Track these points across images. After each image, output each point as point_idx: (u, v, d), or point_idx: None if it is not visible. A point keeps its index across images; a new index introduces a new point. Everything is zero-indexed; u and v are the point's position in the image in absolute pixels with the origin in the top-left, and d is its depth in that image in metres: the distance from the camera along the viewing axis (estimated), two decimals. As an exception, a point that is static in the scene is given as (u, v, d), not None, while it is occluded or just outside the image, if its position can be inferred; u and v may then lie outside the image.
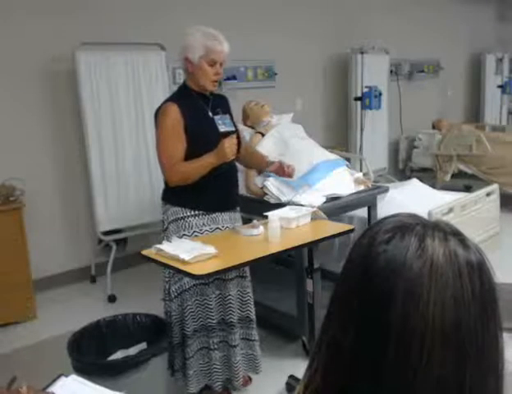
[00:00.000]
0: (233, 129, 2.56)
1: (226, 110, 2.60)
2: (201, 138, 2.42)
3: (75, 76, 3.92)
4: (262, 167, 2.94)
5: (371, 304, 0.63)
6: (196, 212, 2.46)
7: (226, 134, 2.47)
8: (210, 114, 2.49)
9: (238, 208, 2.65)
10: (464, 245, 0.64)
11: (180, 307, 2.50)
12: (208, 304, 2.48)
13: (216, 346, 2.50)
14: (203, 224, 2.47)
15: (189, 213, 2.45)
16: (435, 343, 0.59)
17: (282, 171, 2.76)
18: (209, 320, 2.48)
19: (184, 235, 2.44)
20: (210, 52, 2.38)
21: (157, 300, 2.81)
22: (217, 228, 2.51)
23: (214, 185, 2.45)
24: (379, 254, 0.64)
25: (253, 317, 2.62)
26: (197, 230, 2.46)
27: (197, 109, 2.46)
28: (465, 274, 0.61)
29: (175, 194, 2.47)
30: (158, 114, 2.45)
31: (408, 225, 0.66)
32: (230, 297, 2.52)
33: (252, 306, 2.62)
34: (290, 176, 2.78)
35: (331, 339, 0.67)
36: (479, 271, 0.63)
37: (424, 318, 0.60)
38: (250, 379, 2.74)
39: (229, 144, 2.36)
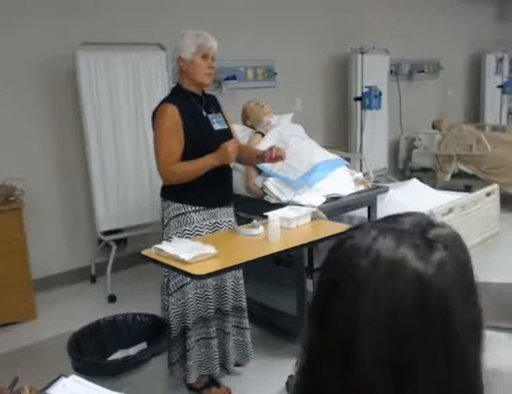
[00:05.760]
0: (226, 127, 2.64)
1: (218, 109, 2.68)
2: (198, 137, 2.49)
3: (75, 76, 3.93)
4: (253, 160, 2.83)
5: (319, 297, 0.64)
6: (197, 207, 2.53)
7: (221, 132, 2.56)
8: (204, 113, 2.56)
9: (232, 204, 2.72)
10: (421, 253, 0.60)
11: (179, 301, 2.57)
12: (208, 296, 2.59)
13: (215, 334, 2.62)
14: (204, 219, 2.55)
15: (190, 209, 2.52)
16: (370, 337, 0.59)
17: (270, 158, 2.57)
18: (209, 311, 2.59)
19: (185, 230, 2.51)
20: (201, 47, 2.48)
21: (157, 300, 2.81)
22: (216, 223, 2.59)
23: (213, 182, 2.52)
24: (340, 245, 0.64)
25: (245, 306, 2.74)
26: (198, 225, 2.53)
27: (192, 109, 2.52)
28: (402, 279, 0.59)
29: (175, 191, 2.53)
30: (156, 115, 2.50)
31: (391, 228, 0.65)
32: (226, 287, 2.64)
33: (244, 296, 2.73)
34: (280, 158, 2.59)
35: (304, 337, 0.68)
36: (419, 283, 0.59)
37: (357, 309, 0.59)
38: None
39: (232, 149, 2.42)
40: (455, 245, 0.64)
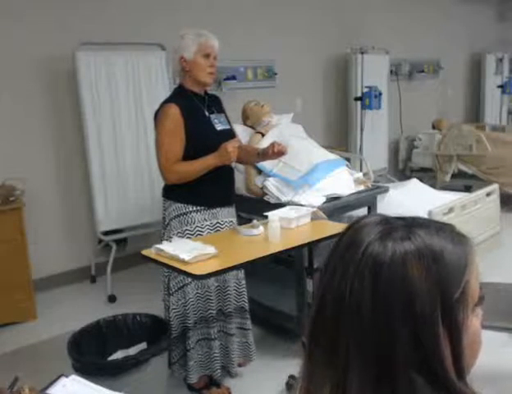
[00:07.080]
0: (228, 127, 2.64)
1: (221, 109, 2.67)
2: (200, 137, 2.49)
3: (75, 76, 3.92)
4: (253, 159, 2.79)
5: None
6: (198, 207, 2.52)
7: (223, 132, 2.55)
8: (206, 113, 2.56)
9: (234, 204, 2.71)
10: (384, 243, 0.66)
11: (180, 301, 2.57)
12: (209, 296, 2.58)
13: (216, 336, 2.61)
14: (205, 219, 2.54)
15: (191, 209, 2.51)
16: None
17: (273, 153, 2.53)
18: (210, 311, 2.58)
19: (186, 230, 2.50)
20: (203, 46, 2.48)
21: (157, 300, 2.82)
22: (218, 223, 2.58)
23: (214, 182, 2.52)
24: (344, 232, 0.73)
25: (247, 307, 2.73)
26: (199, 225, 2.52)
27: (194, 109, 2.52)
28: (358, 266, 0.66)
29: (177, 191, 2.52)
30: (158, 115, 2.50)
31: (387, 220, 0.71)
32: (228, 288, 2.63)
33: (246, 297, 2.72)
34: (282, 153, 2.56)
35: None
36: (375, 272, 0.64)
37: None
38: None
39: (232, 148, 2.41)
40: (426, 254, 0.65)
